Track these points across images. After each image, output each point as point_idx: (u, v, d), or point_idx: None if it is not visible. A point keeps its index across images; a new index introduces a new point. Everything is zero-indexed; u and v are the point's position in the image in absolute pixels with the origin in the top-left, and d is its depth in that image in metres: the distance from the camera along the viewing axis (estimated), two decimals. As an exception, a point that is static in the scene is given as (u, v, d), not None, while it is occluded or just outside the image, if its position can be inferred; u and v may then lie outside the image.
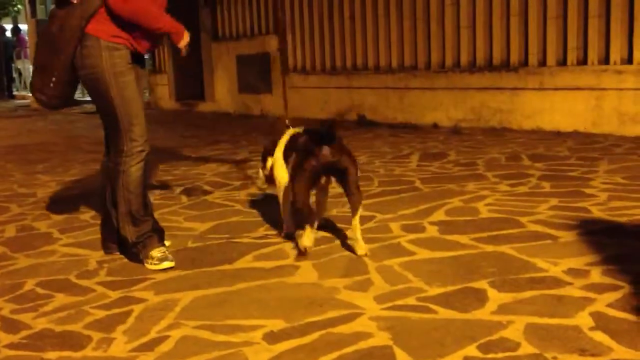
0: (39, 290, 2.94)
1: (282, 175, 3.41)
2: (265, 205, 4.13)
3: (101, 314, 2.62)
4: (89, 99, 3.27)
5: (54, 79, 3.04)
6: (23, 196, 5.06)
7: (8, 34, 20.08)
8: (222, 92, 11.45)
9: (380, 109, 8.53)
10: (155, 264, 3.13)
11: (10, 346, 2.37)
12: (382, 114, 8.49)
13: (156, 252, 3.16)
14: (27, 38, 19.10)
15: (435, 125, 7.78)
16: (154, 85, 13.22)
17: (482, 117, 7.40)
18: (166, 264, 3.13)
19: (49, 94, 3.09)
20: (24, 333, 2.48)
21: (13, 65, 19.75)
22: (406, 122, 8.14)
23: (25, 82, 19.88)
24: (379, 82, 8.54)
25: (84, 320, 2.55)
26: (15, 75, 20.29)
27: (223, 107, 11.40)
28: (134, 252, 3.22)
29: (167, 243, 3.44)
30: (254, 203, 4.29)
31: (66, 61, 3.01)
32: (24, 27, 20.47)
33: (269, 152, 3.53)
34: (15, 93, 19.49)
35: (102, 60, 3.01)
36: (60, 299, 2.82)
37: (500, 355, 2.06)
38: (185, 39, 3.14)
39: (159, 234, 3.26)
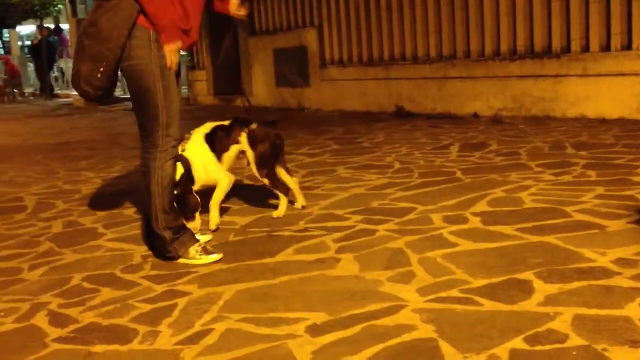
0: (86, 285, 3.00)
1: (224, 173, 3.64)
2: (305, 199, 4.12)
3: (147, 307, 2.65)
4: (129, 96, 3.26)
5: (102, 69, 2.95)
6: (68, 193, 5.16)
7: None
8: (260, 86, 11.49)
9: (419, 99, 8.45)
10: (204, 256, 3.13)
11: (59, 340, 2.42)
12: (421, 105, 8.41)
13: (197, 247, 3.18)
14: (68, 37, 19.49)
15: (475, 115, 7.68)
16: (192, 82, 13.35)
17: (524, 106, 7.27)
18: (215, 257, 3.14)
19: (96, 85, 2.98)
20: (71, 327, 2.53)
21: (56, 65, 20.17)
22: (445, 112, 8.05)
23: (68, 81, 20.30)
24: (417, 73, 8.46)
25: (130, 314, 2.59)
26: (58, 74, 20.74)
27: (261, 101, 11.44)
28: (171, 250, 3.17)
29: (209, 237, 3.47)
30: (293, 198, 4.29)
31: (117, 51, 2.94)
32: (65, 26, 20.89)
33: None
34: (58, 92, 19.90)
35: (152, 52, 2.97)
36: (107, 293, 2.87)
37: (548, 347, 2.02)
38: (172, 52, 2.99)
39: (190, 230, 3.27)
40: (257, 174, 3.73)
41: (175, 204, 3.22)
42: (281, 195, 3.83)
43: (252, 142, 3.68)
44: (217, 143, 3.65)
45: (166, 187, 3.12)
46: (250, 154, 3.69)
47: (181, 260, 3.16)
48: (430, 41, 8.33)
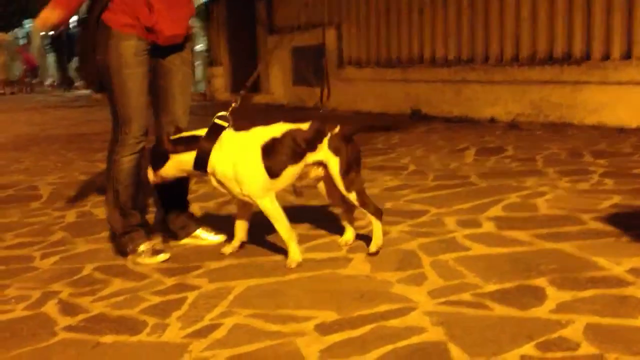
0: (97, 275, 3.01)
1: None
2: (318, 197, 4.10)
3: (156, 299, 2.65)
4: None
5: (86, 65, 3.17)
6: (84, 183, 5.18)
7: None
8: (277, 84, 11.49)
9: (436, 102, 8.42)
10: (147, 258, 3.14)
11: (68, 329, 2.42)
12: (438, 108, 8.37)
13: (146, 246, 3.17)
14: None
15: (492, 120, 7.63)
16: (210, 77, 13.39)
17: (541, 112, 7.22)
18: (161, 257, 3.15)
19: (88, 79, 3.23)
20: (81, 316, 2.53)
21: (75, 56, 20.32)
22: (462, 116, 8.01)
23: (86, 73, 20.44)
24: (434, 75, 8.43)
25: (139, 306, 2.59)
26: (77, 66, 20.86)
27: (277, 99, 11.45)
28: (120, 244, 3.21)
29: (221, 237, 3.41)
30: (306, 195, 4.28)
31: (89, 49, 3.09)
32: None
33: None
34: (77, 84, 20.05)
35: (109, 48, 3.01)
36: (117, 283, 2.88)
37: (559, 354, 2.00)
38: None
39: (146, 228, 3.27)
40: (343, 187, 3.00)
41: (132, 201, 3.17)
42: (374, 221, 3.05)
43: (337, 149, 2.99)
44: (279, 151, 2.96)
45: (121, 182, 3.11)
46: (334, 162, 2.98)
47: (129, 258, 3.16)
48: (449, 44, 8.30)
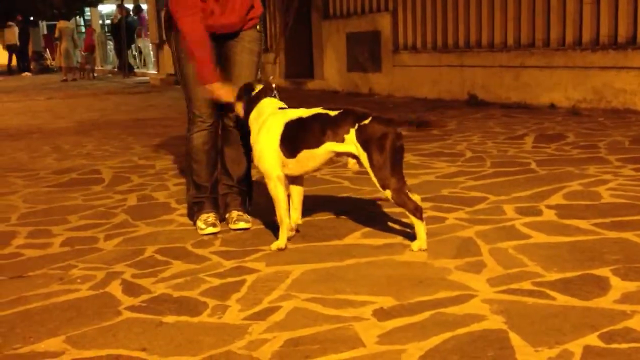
0: (158, 257, 3.08)
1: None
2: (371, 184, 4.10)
3: (216, 282, 2.70)
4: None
5: None
6: (143, 167, 5.30)
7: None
8: (331, 70, 11.47)
9: (493, 88, 8.26)
10: (200, 229, 3.37)
11: (132, 308, 2.49)
12: (495, 94, 8.22)
13: (202, 218, 3.39)
14: (147, 17, 19.96)
15: (552, 106, 7.45)
16: (264, 64, 13.45)
17: (603, 98, 7.00)
18: (208, 230, 3.33)
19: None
20: (144, 297, 2.60)
21: (133, 44, 20.72)
22: (520, 102, 7.84)
23: (144, 60, 20.83)
24: (492, 61, 8.26)
25: (200, 287, 2.65)
26: (135, 53, 21.28)
27: (331, 85, 11.43)
28: (190, 213, 3.57)
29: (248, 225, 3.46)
30: (361, 180, 4.27)
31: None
32: (144, 6, 21.38)
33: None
34: (135, 70, 20.43)
35: (172, 39, 3.37)
36: (178, 265, 2.94)
37: (624, 345, 1.95)
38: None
39: (213, 201, 3.47)
40: (377, 184, 2.89)
41: (204, 173, 3.45)
42: (415, 220, 2.88)
43: (366, 141, 2.84)
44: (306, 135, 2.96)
45: (192, 156, 3.45)
46: (364, 157, 2.86)
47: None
48: (508, 28, 8.12)
